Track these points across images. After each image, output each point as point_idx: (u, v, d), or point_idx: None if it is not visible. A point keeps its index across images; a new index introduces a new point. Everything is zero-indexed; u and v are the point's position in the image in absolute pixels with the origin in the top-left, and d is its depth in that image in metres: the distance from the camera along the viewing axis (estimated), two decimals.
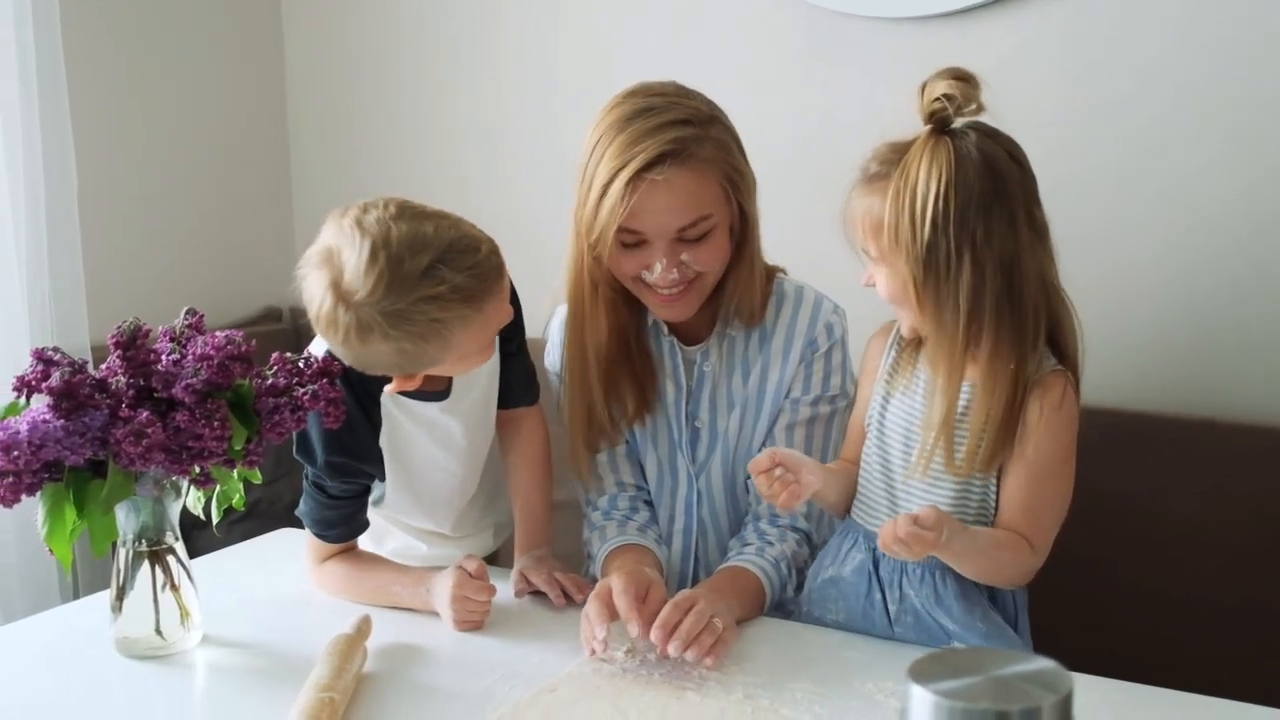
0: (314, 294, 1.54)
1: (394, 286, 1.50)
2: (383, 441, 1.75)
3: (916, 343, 1.63)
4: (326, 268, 1.53)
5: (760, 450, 1.83)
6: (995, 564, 1.56)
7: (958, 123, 1.51)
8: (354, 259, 1.50)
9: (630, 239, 1.70)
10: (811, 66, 2.42)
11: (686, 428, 1.86)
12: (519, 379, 1.84)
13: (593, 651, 1.56)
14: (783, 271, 1.88)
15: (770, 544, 1.79)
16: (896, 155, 1.53)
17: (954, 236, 1.47)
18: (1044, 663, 0.91)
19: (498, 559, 2.02)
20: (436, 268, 1.51)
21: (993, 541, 1.55)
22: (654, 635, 1.52)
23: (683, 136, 1.65)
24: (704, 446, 1.86)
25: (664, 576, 1.81)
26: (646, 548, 1.81)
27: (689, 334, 1.86)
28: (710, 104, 1.73)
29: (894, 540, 1.43)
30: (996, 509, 1.58)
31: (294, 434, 1.69)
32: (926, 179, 1.47)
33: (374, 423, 1.73)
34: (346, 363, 1.59)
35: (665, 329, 1.84)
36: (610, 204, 1.66)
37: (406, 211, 1.54)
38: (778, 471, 1.56)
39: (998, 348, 1.51)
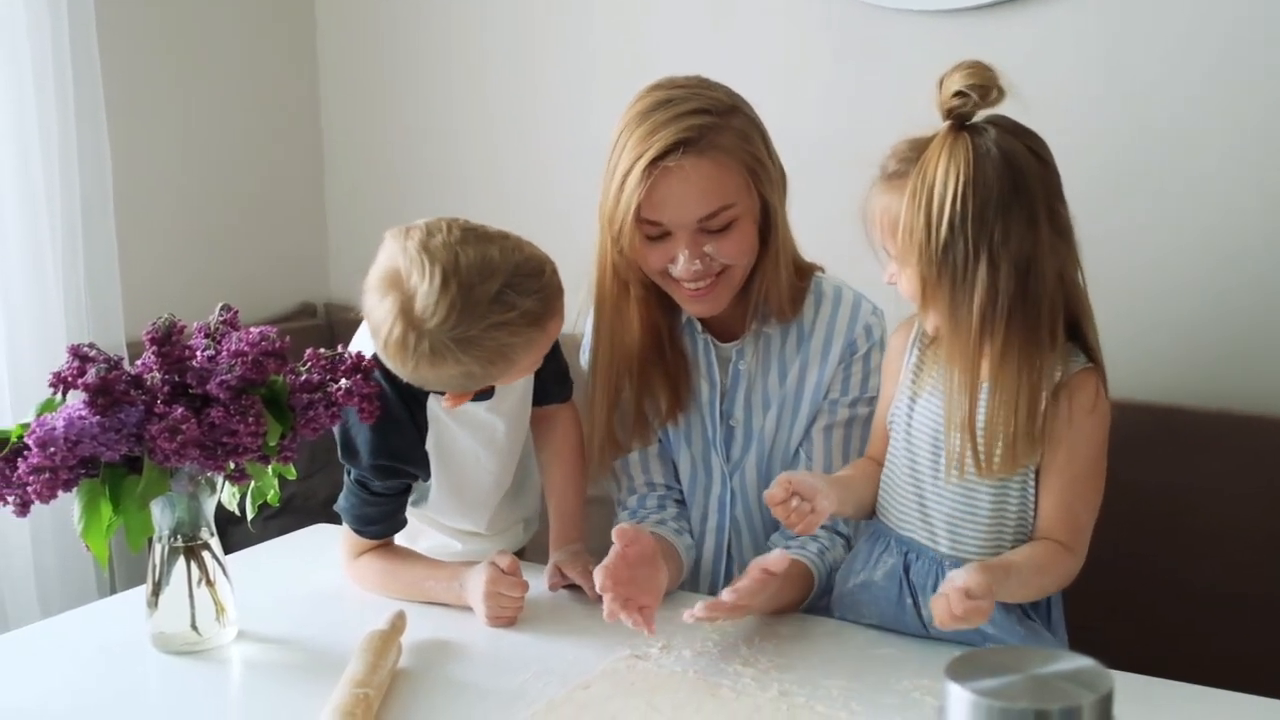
0: (381, 319, 1.54)
1: (466, 313, 1.51)
2: (430, 445, 1.75)
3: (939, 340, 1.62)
4: (395, 293, 1.53)
5: (797, 452, 1.83)
6: (1040, 589, 1.56)
7: (979, 117, 1.49)
8: (424, 286, 1.51)
9: (654, 231, 1.70)
10: (842, 60, 2.41)
11: (721, 426, 1.85)
12: (552, 376, 1.84)
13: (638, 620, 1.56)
14: (821, 270, 1.87)
15: (827, 549, 1.78)
16: (915, 153, 1.51)
17: (972, 237, 1.45)
18: (1083, 661, 0.90)
19: (524, 554, 2.02)
20: (505, 293, 1.53)
21: (1035, 570, 1.53)
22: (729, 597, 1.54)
23: (700, 125, 1.65)
24: (738, 445, 1.85)
25: (684, 564, 1.81)
26: (660, 535, 1.79)
27: (723, 331, 1.85)
28: (733, 95, 1.72)
29: (951, 619, 1.40)
30: (1035, 513, 1.57)
31: (338, 437, 1.72)
32: (944, 178, 1.45)
33: (419, 425, 1.73)
34: (407, 381, 1.61)
35: (699, 326, 1.84)
36: (628, 193, 1.66)
37: (470, 235, 1.55)
38: (794, 503, 1.53)
39: (1007, 348, 1.49)
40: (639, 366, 1.82)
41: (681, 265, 1.70)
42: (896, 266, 1.56)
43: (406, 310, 1.52)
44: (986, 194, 1.45)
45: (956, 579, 1.42)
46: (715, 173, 1.66)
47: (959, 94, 1.46)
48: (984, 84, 1.45)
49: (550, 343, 1.64)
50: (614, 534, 1.59)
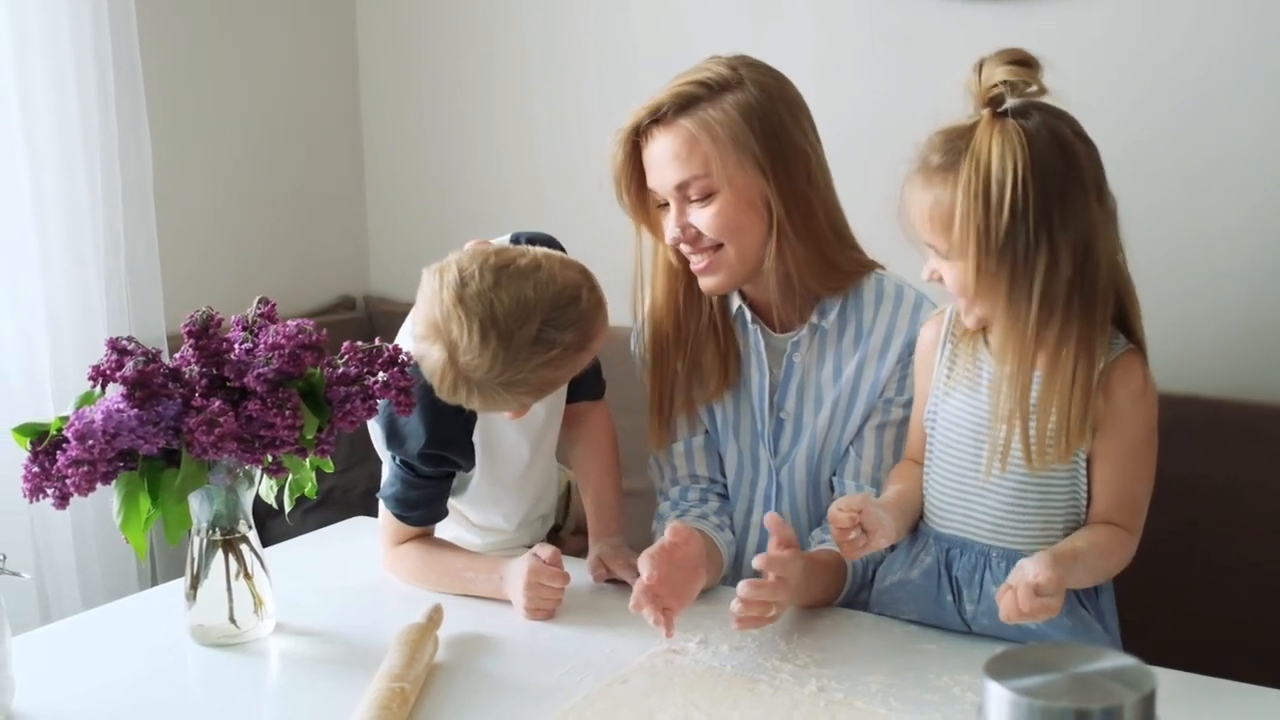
0: (432, 368, 1.59)
1: (510, 361, 1.55)
2: (476, 436, 1.76)
3: (975, 333, 1.60)
4: (440, 344, 1.57)
5: (847, 450, 1.81)
6: (1104, 573, 1.55)
7: (1012, 103, 1.46)
8: (465, 339, 1.55)
9: (658, 199, 1.75)
10: (881, 50, 2.40)
11: (770, 418, 1.83)
12: (585, 374, 1.84)
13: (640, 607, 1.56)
14: (882, 267, 1.84)
15: None
16: (955, 143, 1.47)
17: (1033, 223, 1.43)
18: (1125, 659, 0.88)
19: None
20: (545, 331, 1.56)
21: (1100, 555, 1.52)
22: (759, 562, 1.53)
23: (685, 94, 1.69)
24: (787, 439, 1.84)
25: (724, 560, 1.80)
26: (703, 531, 1.78)
27: (776, 323, 1.83)
28: (753, 75, 1.71)
29: (1019, 616, 1.40)
30: (1089, 498, 1.55)
31: (382, 427, 1.74)
32: (1001, 164, 1.42)
33: (468, 415, 1.74)
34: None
35: (749, 315, 1.82)
36: (612, 155, 1.75)
37: (503, 275, 1.57)
38: (853, 534, 1.52)
39: (1064, 334, 1.47)
40: (691, 344, 1.82)
41: (667, 230, 1.74)
42: (937, 262, 1.53)
43: (453, 360, 1.56)
44: (1045, 178, 1.43)
45: (1027, 571, 1.40)
46: (685, 142, 1.69)
47: (1003, 84, 1.44)
48: (1026, 71, 1.44)
49: (594, 356, 1.67)
50: (669, 530, 1.58)
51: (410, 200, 3.05)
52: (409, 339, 1.66)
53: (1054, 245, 1.44)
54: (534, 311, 1.55)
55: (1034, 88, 1.45)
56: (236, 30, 2.81)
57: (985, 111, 1.46)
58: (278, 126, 2.92)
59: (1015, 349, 1.49)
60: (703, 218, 1.71)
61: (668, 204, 1.74)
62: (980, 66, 1.47)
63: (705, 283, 1.77)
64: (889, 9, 2.37)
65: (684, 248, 1.75)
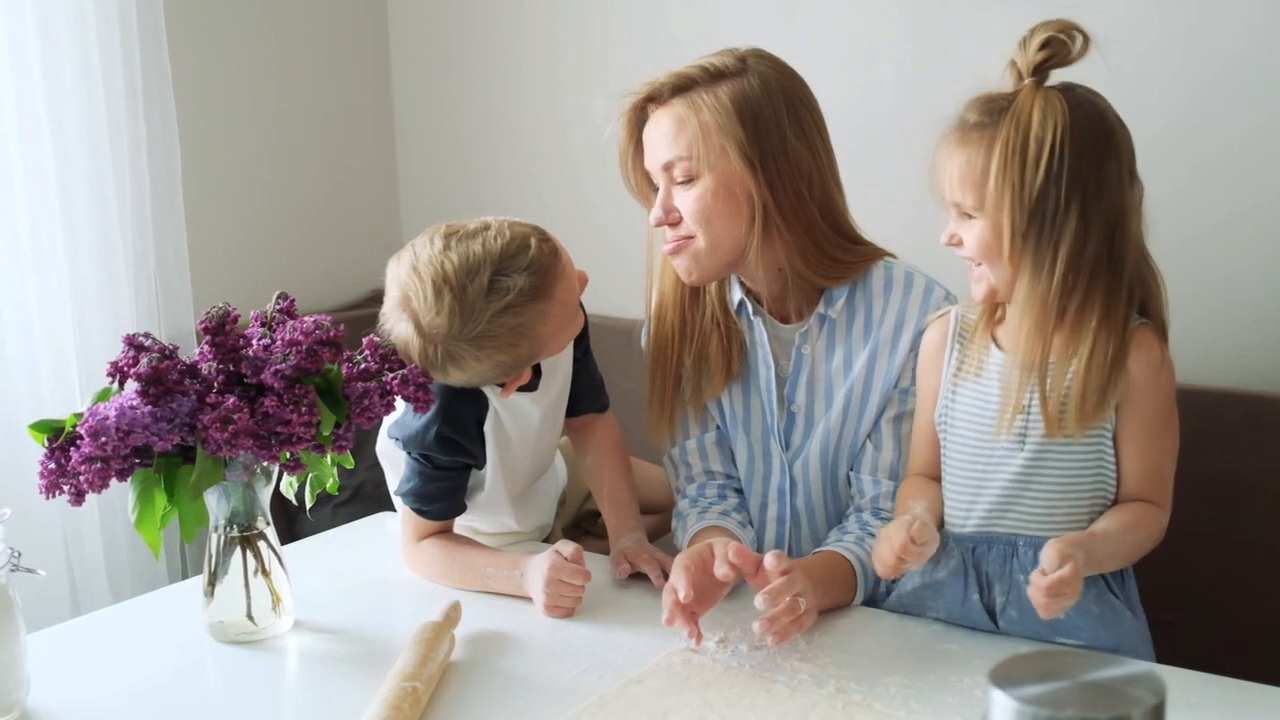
0: (404, 343, 1.64)
1: (467, 314, 1.60)
2: (488, 428, 1.76)
3: (983, 327, 1.58)
4: (406, 316, 1.63)
5: (863, 443, 1.79)
6: (1134, 547, 1.53)
7: (1056, 81, 1.47)
8: (423, 303, 1.61)
9: (655, 181, 1.77)
10: (912, 43, 2.38)
11: (781, 412, 1.81)
12: (586, 386, 1.88)
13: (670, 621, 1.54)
14: (892, 256, 1.82)
15: (871, 535, 1.73)
16: (995, 106, 1.48)
17: (1065, 185, 1.44)
18: (1136, 666, 0.86)
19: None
20: (497, 280, 1.60)
21: (1127, 529, 1.51)
22: (759, 601, 1.50)
23: (684, 76, 1.71)
24: (799, 432, 1.81)
25: None
26: (728, 530, 1.77)
27: (783, 314, 1.81)
28: (759, 66, 1.71)
29: (1044, 605, 1.40)
30: (1119, 479, 1.53)
31: (398, 431, 1.75)
32: (1042, 124, 1.44)
33: (480, 404, 1.75)
34: (460, 386, 1.68)
35: (750, 307, 1.81)
36: (619, 134, 1.79)
37: (452, 239, 1.64)
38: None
39: (1086, 306, 1.47)
40: (696, 338, 1.81)
41: (652, 210, 1.76)
42: (957, 225, 1.53)
43: (419, 328, 1.62)
44: (1083, 144, 1.44)
45: (1044, 557, 1.41)
46: (672, 125, 1.71)
47: (1045, 45, 1.45)
48: (1070, 35, 1.45)
49: (569, 303, 1.68)
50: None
51: (443, 194, 3.05)
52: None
53: (1085, 213, 1.45)
54: (483, 264, 1.60)
55: (1079, 44, 1.46)
56: (266, 24, 2.81)
57: (1029, 81, 1.47)
58: (309, 122, 2.92)
59: (1035, 315, 1.48)
60: (684, 201, 1.72)
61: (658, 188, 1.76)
62: (1024, 40, 1.48)
63: (677, 265, 1.77)
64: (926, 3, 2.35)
65: (667, 231, 1.75)
